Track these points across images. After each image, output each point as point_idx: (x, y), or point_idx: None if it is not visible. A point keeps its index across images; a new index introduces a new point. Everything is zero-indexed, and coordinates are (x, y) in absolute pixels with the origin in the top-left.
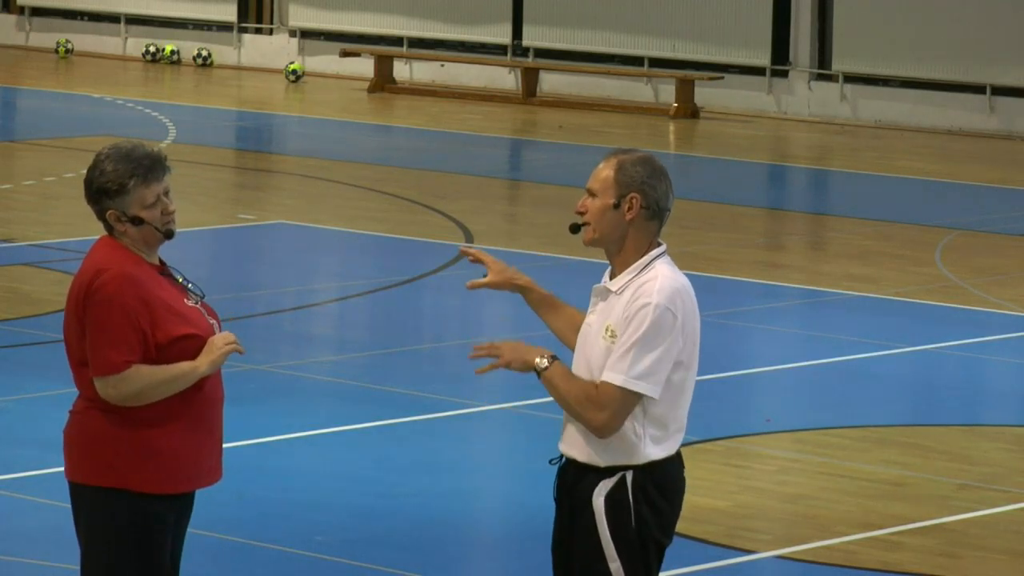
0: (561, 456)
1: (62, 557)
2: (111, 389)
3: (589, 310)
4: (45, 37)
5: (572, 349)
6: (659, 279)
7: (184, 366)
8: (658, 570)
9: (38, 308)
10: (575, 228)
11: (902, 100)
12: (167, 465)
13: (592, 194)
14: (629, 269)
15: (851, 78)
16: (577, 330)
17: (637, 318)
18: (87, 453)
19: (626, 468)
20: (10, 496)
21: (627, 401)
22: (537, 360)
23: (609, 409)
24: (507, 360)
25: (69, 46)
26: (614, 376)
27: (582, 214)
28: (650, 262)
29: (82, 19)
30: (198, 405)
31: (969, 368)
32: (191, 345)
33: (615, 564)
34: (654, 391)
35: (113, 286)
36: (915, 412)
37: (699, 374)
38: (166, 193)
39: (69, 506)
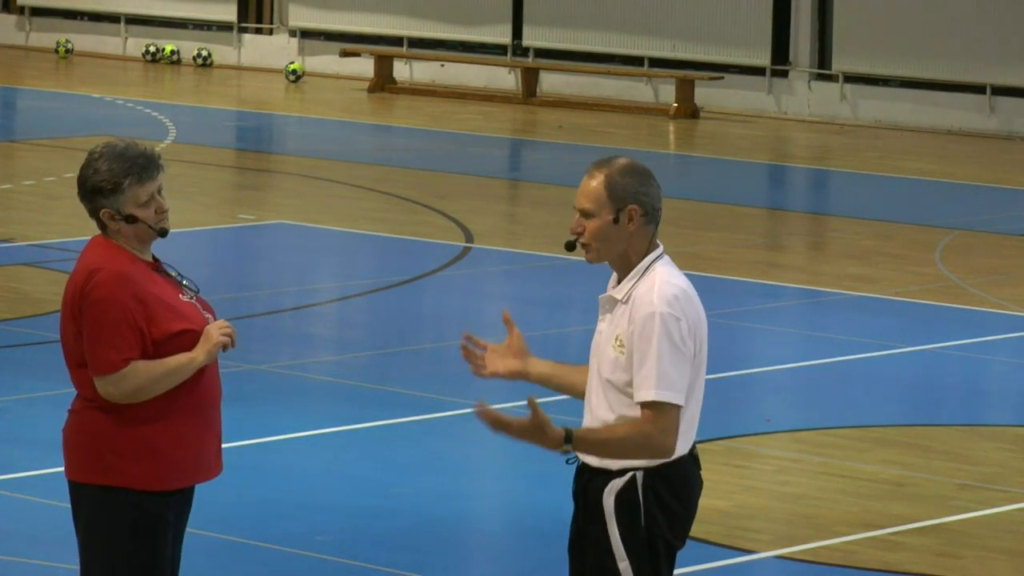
0: (577, 457)
1: (62, 557)
2: (111, 388)
3: (599, 318)
4: (45, 37)
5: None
6: (656, 285)
7: (181, 358)
8: (670, 572)
9: (38, 308)
10: (571, 246)
11: (902, 100)
12: (167, 462)
13: (586, 214)
14: (630, 275)
15: (851, 78)
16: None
17: (645, 330)
18: (86, 452)
19: (636, 468)
20: (10, 496)
21: (667, 414)
22: (561, 445)
23: (655, 426)
24: (518, 437)
25: (69, 46)
26: (644, 393)
27: (579, 234)
28: (648, 266)
29: (82, 19)
30: (196, 400)
31: (969, 368)
32: (187, 340)
33: (624, 564)
34: (681, 398)
35: (108, 285)
36: (915, 412)
37: None
38: (159, 191)
39: (70, 506)
